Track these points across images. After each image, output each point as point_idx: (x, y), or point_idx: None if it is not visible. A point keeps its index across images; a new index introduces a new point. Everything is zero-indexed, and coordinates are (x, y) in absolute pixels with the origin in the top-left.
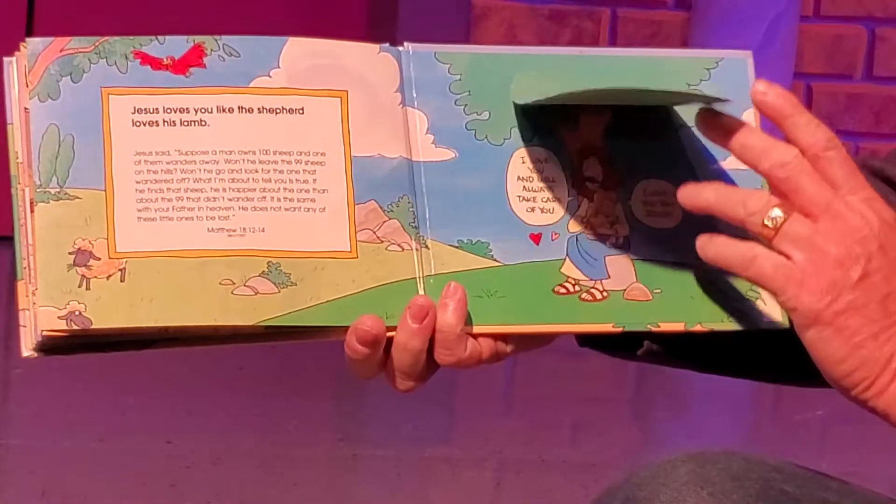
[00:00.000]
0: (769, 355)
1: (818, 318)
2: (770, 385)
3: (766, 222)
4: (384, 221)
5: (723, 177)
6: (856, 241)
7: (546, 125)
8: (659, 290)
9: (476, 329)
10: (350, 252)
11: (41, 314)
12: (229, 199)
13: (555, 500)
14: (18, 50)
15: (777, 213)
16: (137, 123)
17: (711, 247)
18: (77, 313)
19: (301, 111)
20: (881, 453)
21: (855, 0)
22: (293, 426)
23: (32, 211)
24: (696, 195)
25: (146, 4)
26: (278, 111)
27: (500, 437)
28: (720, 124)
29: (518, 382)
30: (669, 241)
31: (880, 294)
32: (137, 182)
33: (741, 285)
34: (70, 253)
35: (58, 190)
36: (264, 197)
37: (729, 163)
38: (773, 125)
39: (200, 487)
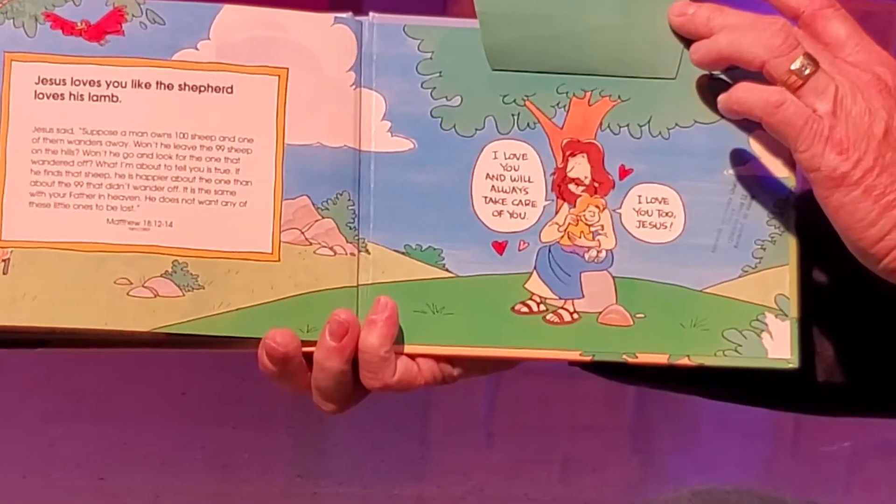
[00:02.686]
0: (785, 379)
1: (845, 177)
2: (789, 413)
3: (792, 68)
4: (316, 220)
5: (742, 183)
6: (873, 97)
7: (529, 115)
8: (642, 315)
9: (411, 349)
10: (271, 254)
11: None
12: (135, 188)
13: None
14: None
15: (804, 60)
16: (40, 95)
17: (734, 93)
18: None
19: (229, 90)
20: None
21: None
22: (244, 460)
23: None
24: (709, 47)
25: None
26: (202, 89)
27: (480, 471)
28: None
29: (501, 409)
30: (663, 259)
31: None
32: (33, 162)
33: (744, 315)
34: None
35: None
36: (176, 187)
37: (748, 168)
38: None
39: None
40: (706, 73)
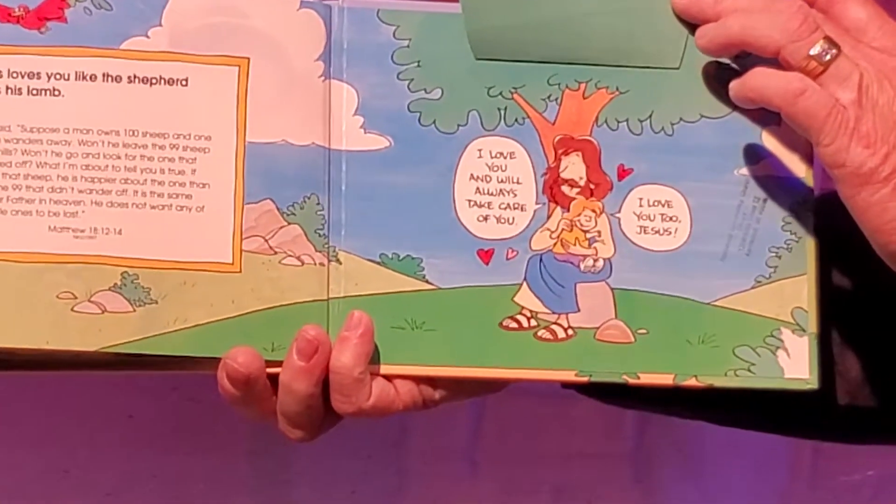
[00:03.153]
0: (804, 402)
1: (873, 174)
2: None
3: (811, 53)
4: (281, 227)
5: (755, 183)
6: None
7: (517, 109)
8: (645, 331)
9: (388, 369)
10: (232, 264)
11: None
12: (80, 191)
13: None
14: None
15: (825, 44)
16: None
17: (749, 79)
18: None
19: (184, 82)
20: None
21: None
22: (199, 489)
23: None
24: (717, 31)
25: None
26: (154, 81)
27: (463, 503)
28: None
29: (486, 434)
30: (667, 269)
31: None
32: None
33: (757, 330)
34: None
35: None
36: (125, 190)
37: (761, 166)
38: None
39: None
40: (713, 60)
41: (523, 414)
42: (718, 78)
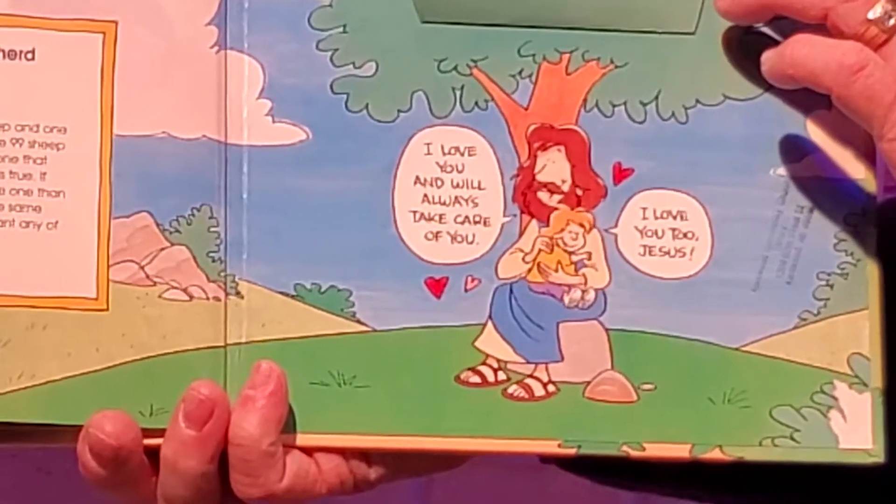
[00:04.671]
0: (866, 480)
1: None
2: None
3: (870, 17)
4: (162, 249)
5: (797, 188)
6: None
7: (478, 89)
8: (651, 386)
9: (307, 439)
10: (96, 300)
11: None
12: None
13: None
14: None
15: (888, 4)
16: None
17: (789, 50)
18: None
19: (30, 55)
20: None
21: None
22: None
23: None
24: None
25: None
26: None
27: None
28: None
29: None
30: (680, 303)
31: None
32: None
33: (803, 385)
34: None
35: None
36: None
37: (805, 165)
38: None
39: None
40: (738, 26)
41: (485, 488)
42: (747, 47)
